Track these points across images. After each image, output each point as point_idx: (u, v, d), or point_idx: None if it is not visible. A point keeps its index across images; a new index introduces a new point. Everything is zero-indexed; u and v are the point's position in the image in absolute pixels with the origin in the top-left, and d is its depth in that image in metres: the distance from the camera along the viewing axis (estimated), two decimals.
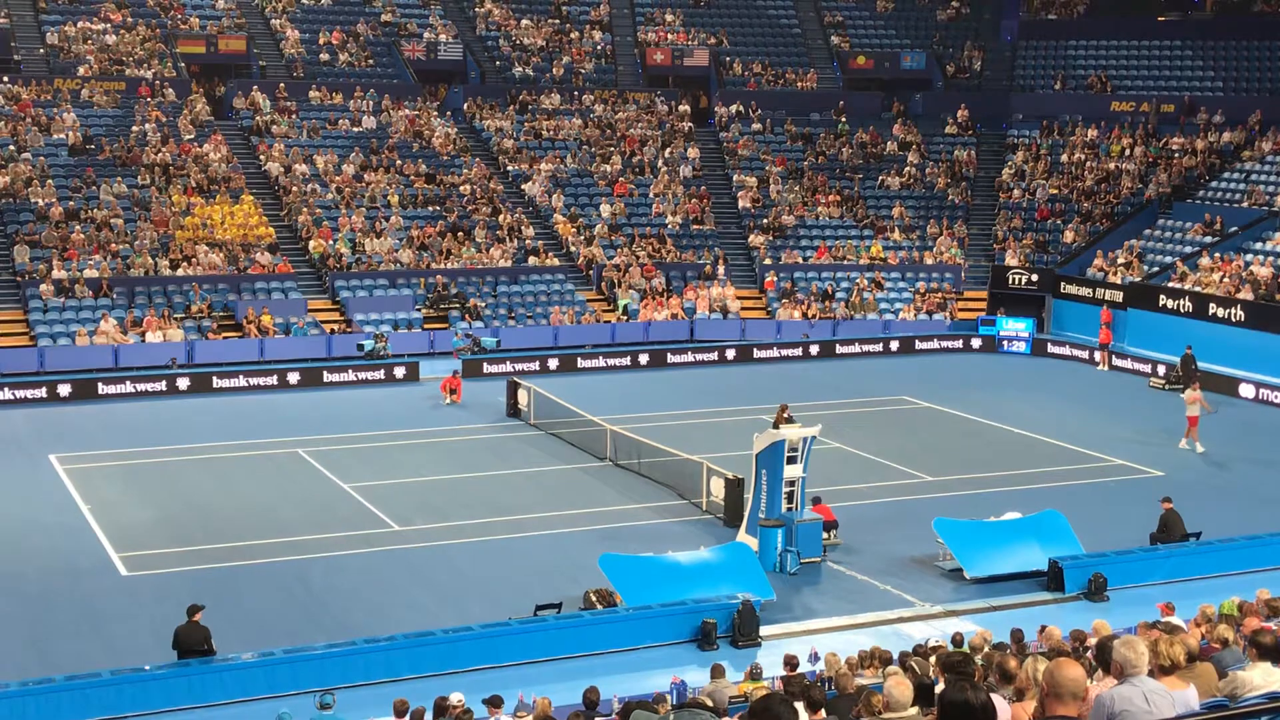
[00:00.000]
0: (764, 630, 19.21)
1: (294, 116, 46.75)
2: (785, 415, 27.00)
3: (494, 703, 14.58)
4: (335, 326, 39.44)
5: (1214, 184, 46.18)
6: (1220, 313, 38.75)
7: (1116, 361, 39.72)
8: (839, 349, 41.32)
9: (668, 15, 55.07)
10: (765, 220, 47.23)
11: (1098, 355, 40.20)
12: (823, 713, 10.43)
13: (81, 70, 46.16)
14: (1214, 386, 34.38)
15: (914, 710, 8.00)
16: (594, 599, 19.89)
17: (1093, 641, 12.64)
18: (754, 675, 15.89)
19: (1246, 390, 35.60)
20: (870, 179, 49.61)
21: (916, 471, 28.31)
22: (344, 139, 46.65)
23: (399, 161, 46.10)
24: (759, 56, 54.37)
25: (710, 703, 12.40)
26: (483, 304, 41.22)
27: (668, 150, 49.31)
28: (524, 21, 53.70)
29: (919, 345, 41.99)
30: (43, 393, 33.66)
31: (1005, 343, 42.43)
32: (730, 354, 40.34)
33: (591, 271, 44.16)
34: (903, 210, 48.02)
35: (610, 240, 45.27)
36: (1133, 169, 47.96)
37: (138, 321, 37.46)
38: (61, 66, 46.32)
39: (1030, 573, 21.55)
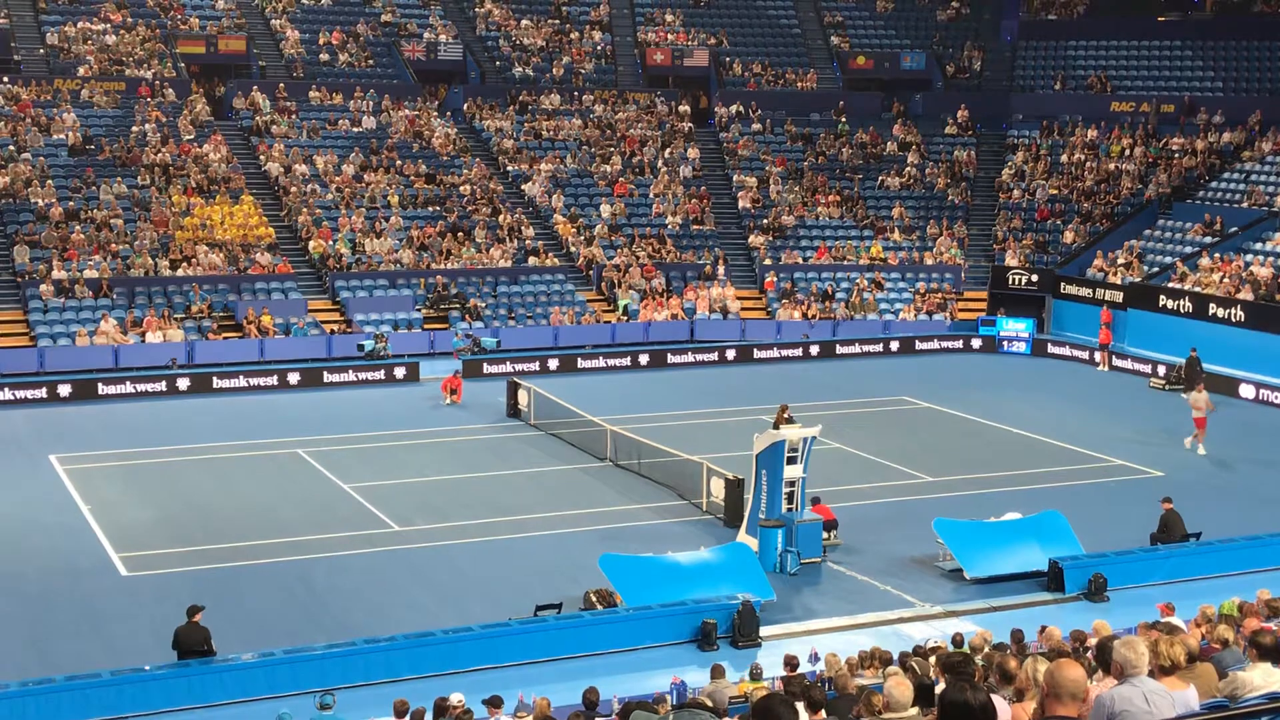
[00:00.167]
0: (764, 630, 19.21)
1: (294, 117, 46.76)
2: (785, 415, 27.00)
3: (494, 703, 14.59)
4: (335, 327, 39.44)
5: (1214, 184, 46.18)
6: (1220, 313, 38.75)
7: (1116, 362, 39.72)
8: (839, 349, 41.32)
9: (668, 15, 55.08)
10: (765, 220, 47.23)
11: (1098, 355, 40.20)
12: (823, 713, 10.43)
13: (81, 70, 46.17)
14: (1214, 387, 34.32)
15: (914, 710, 8.00)
16: (594, 599, 19.90)
17: (1093, 642, 12.64)
18: (754, 675, 15.89)
19: (1246, 390, 35.61)
20: (870, 179, 49.62)
21: (917, 472, 28.31)
22: (344, 139, 46.66)
23: (399, 162, 46.10)
24: (759, 57, 54.37)
25: (710, 703, 12.40)
26: (483, 304, 41.23)
27: (668, 150, 49.32)
28: (524, 22, 53.71)
29: (919, 345, 41.99)
30: (43, 393, 33.66)
31: (1005, 343, 42.43)
32: (730, 354, 40.35)
33: (591, 272, 44.17)
34: (903, 210, 48.03)
35: (610, 240, 45.28)
36: (1133, 169, 47.97)
37: (138, 322, 37.46)
38: (61, 67, 46.33)
39: (1030, 573, 21.55)
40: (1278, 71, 50.57)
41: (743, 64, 53.80)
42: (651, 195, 47.45)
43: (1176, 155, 47.96)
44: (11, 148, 42.17)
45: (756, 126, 51.08)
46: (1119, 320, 41.07)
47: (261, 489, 26.56)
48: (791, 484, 22.54)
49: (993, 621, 18.96)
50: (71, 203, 40.96)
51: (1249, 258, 40.97)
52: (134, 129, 44.20)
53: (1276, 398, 35.09)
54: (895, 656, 15.29)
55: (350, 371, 36.48)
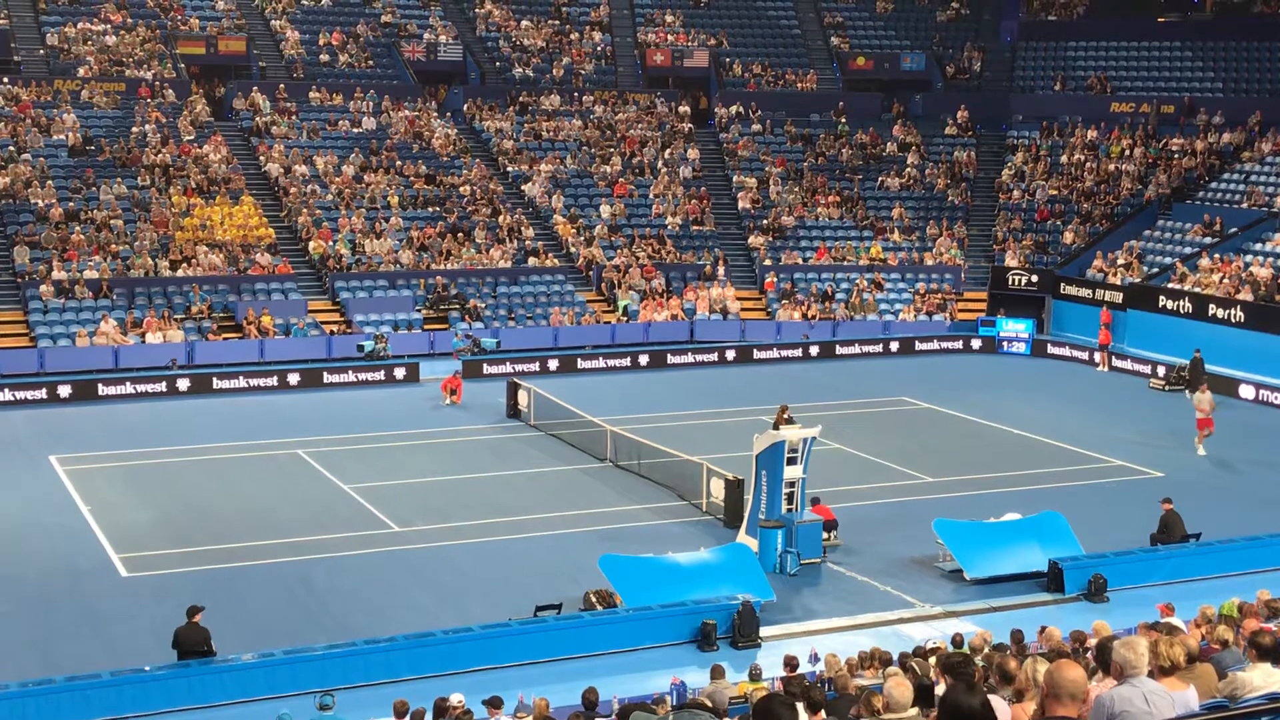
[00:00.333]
0: (764, 631, 19.22)
1: (294, 117, 46.77)
2: (785, 416, 26.96)
3: (494, 703, 14.59)
4: (335, 327, 39.45)
5: (1214, 185, 46.19)
6: (1220, 314, 38.75)
7: (1116, 362, 39.72)
8: (839, 350, 41.33)
9: (668, 16, 55.10)
10: (765, 221, 47.24)
11: (1097, 356, 40.21)
12: (823, 713, 10.43)
13: (81, 71, 46.17)
14: (1214, 388, 34.25)
15: (914, 711, 8.01)
16: (594, 600, 19.90)
17: (1093, 642, 12.65)
18: (753, 676, 15.89)
19: (1246, 391, 35.60)
20: (870, 180, 49.62)
21: (916, 472, 28.32)
22: (344, 140, 46.67)
23: (399, 162, 46.11)
24: (759, 57, 54.38)
25: (710, 704, 12.41)
26: (483, 305, 41.23)
27: (667, 151, 49.32)
28: (524, 22, 53.72)
29: (919, 346, 41.99)
30: (43, 394, 33.66)
31: (1005, 344, 42.43)
32: (730, 355, 40.34)
33: (591, 272, 44.17)
34: (902, 211, 48.03)
35: (610, 241, 45.28)
36: (1132, 170, 47.98)
37: (138, 322, 37.47)
38: (61, 67, 46.33)
39: (1030, 574, 21.55)
40: (1277, 72, 50.58)
41: (743, 65, 53.81)
42: (651, 196, 47.46)
43: (1176, 156, 47.97)
44: (12, 148, 42.17)
45: (756, 127, 51.09)
46: (1119, 321, 41.08)
47: (261, 490, 26.57)
48: (791, 485, 22.55)
49: (993, 622, 18.97)
50: (71, 203, 40.97)
51: (1249, 258, 40.97)
52: (134, 130, 44.21)
53: (1276, 398, 35.09)
54: (895, 657, 15.29)
55: (350, 372, 36.48)
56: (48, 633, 19.41)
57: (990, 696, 6.77)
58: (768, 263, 45.56)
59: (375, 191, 44.49)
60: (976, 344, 42.45)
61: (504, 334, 40.01)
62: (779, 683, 14.44)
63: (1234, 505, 26.01)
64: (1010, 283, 44.45)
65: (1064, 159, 49.62)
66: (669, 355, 39.80)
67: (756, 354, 40.57)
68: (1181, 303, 40.01)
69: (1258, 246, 41.59)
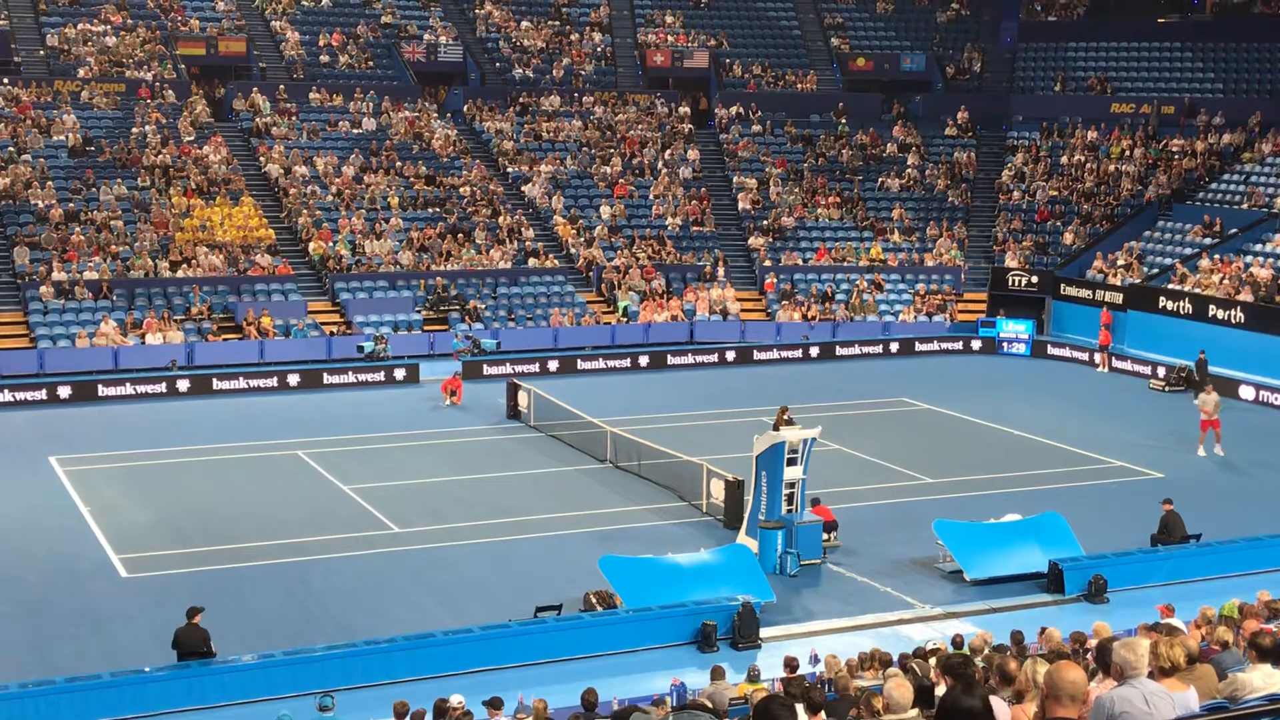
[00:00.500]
0: (764, 632, 19.21)
1: (294, 118, 46.77)
2: (785, 417, 26.99)
3: (494, 704, 14.58)
4: (335, 328, 39.45)
5: (1214, 186, 46.19)
6: (1220, 314, 38.75)
7: (1116, 363, 39.72)
8: (839, 350, 41.32)
9: (668, 17, 55.11)
10: (765, 222, 47.23)
11: (1097, 357, 40.21)
12: (823, 714, 10.42)
13: (81, 72, 46.18)
14: (1214, 388, 34.33)
15: (914, 712, 8.01)
16: (594, 601, 19.89)
17: (1093, 643, 12.64)
18: (754, 677, 15.88)
19: (1246, 392, 35.59)
20: (870, 181, 49.63)
21: (916, 473, 28.31)
22: (344, 141, 46.67)
23: (399, 163, 46.12)
24: (759, 58, 54.39)
25: (710, 705, 12.41)
26: (483, 306, 41.23)
27: (668, 152, 49.33)
28: (524, 23, 53.73)
29: (919, 347, 41.99)
30: (43, 394, 33.66)
31: (1005, 344, 42.43)
32: (730, 355, 40.33)
33: (591, 273, 44.17)
34: (902, 212, 48.03)
35: (610, 242, 45.29)
36: (1132, 171, 47.98)
37: (138, 323, 37.47)
38: (62, 68, 46.34)
39: (1030, 574, 21.55)
40: (1277, 73, 50.58)
41: (743, 65, 53.82)
42: (651, 196, 47.46)
43: (1176, 157, 47.97)
44: (12, 149, 42.18)
45: (756, 128, 51.09)
46: (1119, 322, 41.08)
47: (261, 491, 26.56)
48: (791, 485, 22.54)
49: (993, 623, 18.97)
50: (71, 204, 40.97)
51: (1249, 259, 40.97)
52: (134, 130, 44.22)
53: (1276, 399, 35.08)
54: (895, 658, 15.28)
55: (350, 373, 36.48)
56: (47, 633, 19.41)
57: (990, 698, 6.77)
58: (768, 263, 45.56)
59: (375, 192, 44.49)
60: (976, 345, 42.45)
61: (504, 335, 40.01)
62: (779, 684, 14.44)
63: (1234, 506, 26.00)
64: (1010, 283, 44.46)
65: (1064, 160, 49.62)
66: (669, 356, 39.79)
67: (756, 355, 40.57)
68: (1181, 303, 40.01)
69: (1258, 247, 41.58)
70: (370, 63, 50.44)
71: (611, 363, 39.08)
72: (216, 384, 35.32)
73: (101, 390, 34.31)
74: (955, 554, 21.91)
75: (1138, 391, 37.33)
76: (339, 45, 50.64)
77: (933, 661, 13.29)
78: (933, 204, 48.80)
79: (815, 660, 16.79)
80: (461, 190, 45.61)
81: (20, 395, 33.43)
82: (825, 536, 22.82)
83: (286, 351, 37.76)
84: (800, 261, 45.79)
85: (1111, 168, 48.50)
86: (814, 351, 41.05)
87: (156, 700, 16.70)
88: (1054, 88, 53.29)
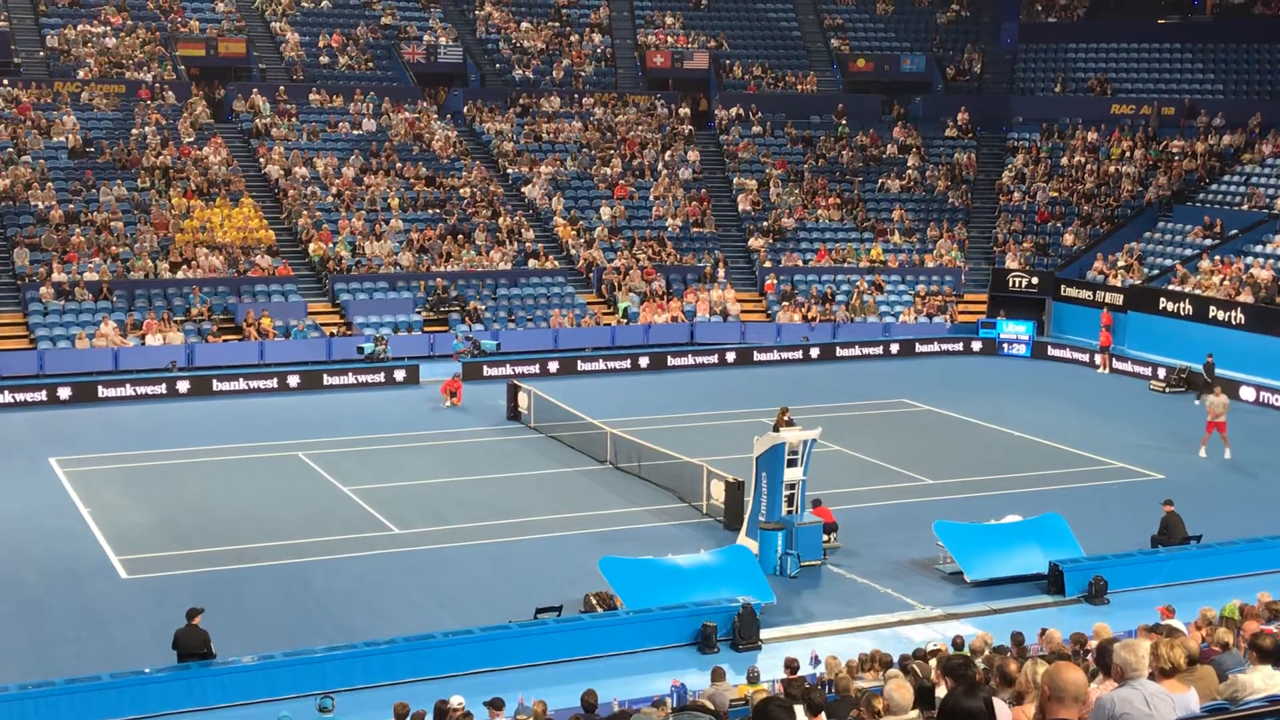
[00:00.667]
0: (764, 633, 19.21)
1: (294, 119, 46.77)
2: (785, 418, 26.99)
3: (495, 705, 14.59)
4: (335, 329, 39.44)
5: (1214, 187, 46.18)
6: (1220, 315, 38.75)
7: (1117, 364, 39.72)
8: (839, 352, 41.32)
9: (667, 18, 55.11)
10: (765, 223, 47.23)
11: (1098, 358, 40.20)
12: (823, 716, 10.42)
13: (81, 73, 46.18)
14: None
15: (914, 713, 8.01)
16: (594, 602, 19.88)
17: (1093, 644, 12.63)
18: (754, 678, 15.88)
19: (1247, 393, 35.57)
20: (870, 182, 49.63)
21: (917, 474, 28.30)
22: (344, 142, 46.67)
23: (399, 164, 46.12)
24: (759, 59, 54.40)
25: (711, 706, 12.39)
26: (483, 307, 41.23)
27: (668, 153, 49.32)
28: (524, 24, 53.73)
29: (919, 348, 41.99)
30: (43, 396, 33.66)
31: (1005, 345, 42.44)
32: (730, 357, 40.33)
33: (591, 274, 44.17)
34: (903, 213, 48.03)
35: (610, 243, 45.29)
36: (1133, 172, 47.97)
37: (137, 324, 37.47)
38: (61, 69, 46.34)
39: (1031, 576, 21.54)
40: (1277, 74, 50.58)
41: (743, 66, 53.82)
42: (651, 198, 47.46)
43: (1176, 158, 47.97)
44: (11, 150, 42.18)
45: (756, 129, 51.09)
46: (1119, 323, 41.07)
47: (261, 492, 26.56)
48: (791, 487, 22.53)
49: (993, 624, 18.98)
50: (71, 205, 40.97)
51: (1249, 260, 40.96)
52: (134, 132, 44.22)
53: (1277, 400, 35.08)
54: (896, 659, 15.28)
55: (350, 374, 36.47)
56: (47, 634, 19.40)
57: (992, 699, 6.75)
58: (768, 264, 45.55)
59: (375, 193, 44.49)
60: (977, 346, 42.44)
61: (504, 336, 40.00)
62: (779, 685, 14.44)
63: (1235, 507, 26.00)
64: (1010, 285, 44.46)
65: (1064, 161, 49.62)
66: (669, 357, 39.79)
67: (757, 356, 40.56)
68: (1182, 305, 40.01)
69: (1258, 248, 41.58)
70: (370, 64, 50.44)
71: (612, 364, 39.08)
72: (216, 385, 35.31)
73: (101, 391, 34.29)
74: (955, 555, 21.91)
75: (1138, 393, 37.32)
76: (339, 46, 50.64)
77: (933, 663, 13.28)
78: (933, 205, 48.80)
79: (816, 661, 16.78)
80: (461, 191, 45.61)
81: (20, 396, 33.43)
82: (825, 538, 22.82)
83: (286, 353, 37.76)
84: (800, 263, 45.78)
85: (1112, 169, 48.50)
86: (814, 353, 41.05)
87: (156, 701, 16.70)
88: (1054, 89, 53.29)
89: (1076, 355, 41.17)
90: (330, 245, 42.12)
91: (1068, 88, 53.11)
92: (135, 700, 16.61)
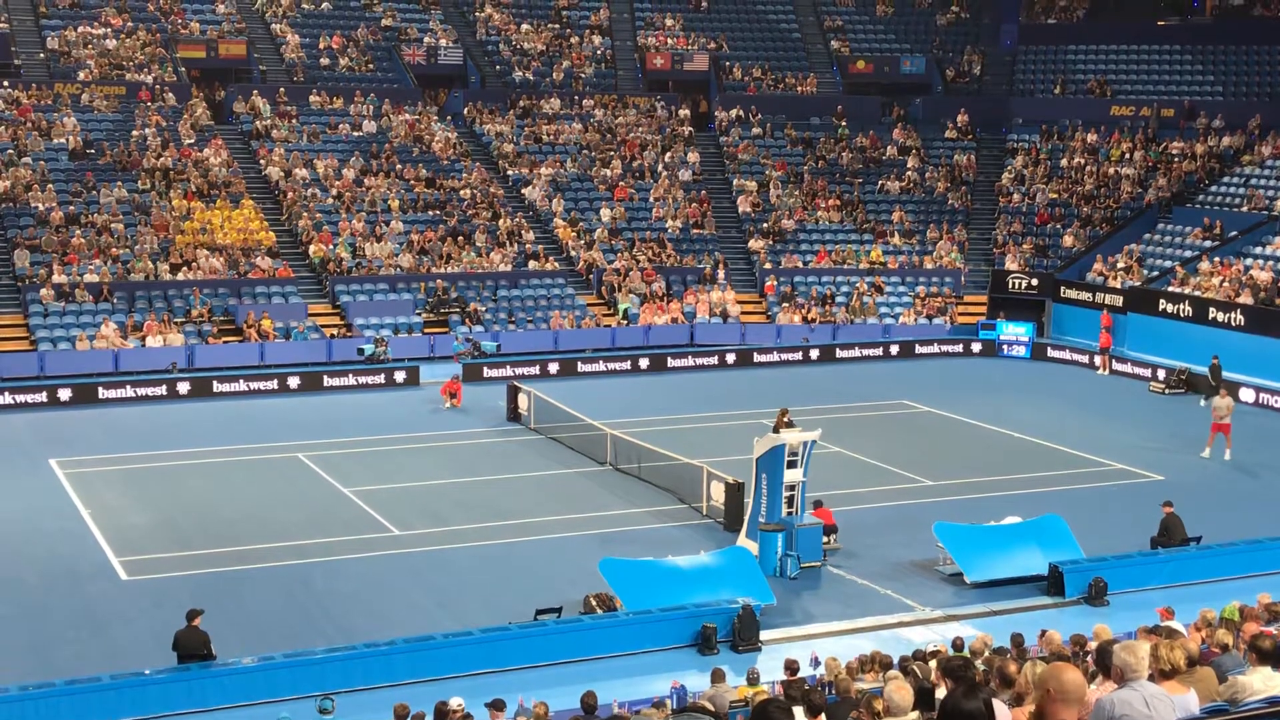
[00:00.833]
0: (764, 635, 19.22)
1: (294, 121, 46.79)
2: (785, 419, 26.99)
3: (496, 706, 14.59)
4: (335, 331, 39.45)
5: (1214, 188, 46.20)
6: (1220, 317, 38.76)
7: (1116, 366, 39.73)
8: (839, 353, 41.33)
9: (668, 20, 55.13)
10: (765, 224, 47.24)
11: (1098, 359, 40.22)
12: (823, 717, 10.43)
13: (82, 75, 46.19)
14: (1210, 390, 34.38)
15: (914, 715, 8.02)
16: (594, 603, 19.88)
17: (1093, 646, 12.64)
18: (754, 680, 15.88)
19: (1246, 395, 35.57)
20: (870, 183, 49.64)
21: (917, 476, 28.31)
22: (344, 143, 46.68)
23: (399, 166, 46.13)
24: (759, 61, 54.42)
25: (711, 707, 12.39)
26: (483, 308, 41.24)
27: (668, 154, 49.34)
28: (524, 26, 53.74)
29: (919, 349, 42.01)
30: (43, 397, 33.66)
31: (1005, 347, 42.45)
32: (730, 358, 40.33)
33: (591, 275, 44.18)
34: (903, 215, 48.04)
35: (610, 244, 45.30)
36: (1132, 173, 47.99)
37: (138, 326, 37.48)
38: (62, 71, 46.35)
39: (1030, 577, 21.55)
40: (1277, 76, 50.60)
41: (743, 68, 53.84)
42: (651, 199, 47.48)
43: (1176, 159, 47.99)
44: (12, 152, 42.19)
45: (756, 130, 51.11)
46: (1119, 324, 41.08)
47: (261, 493, 26.57)
48: (791, 488, 22.53)
49: (993, 625, 18.99)
50: (72, 207, 40.97)
51: (1249, 261, 40.98)
52: (134, 133, 44.23)
53: (1277, 401, 35.09)
54: (895, 660, 15.28)
55: (350, 375, 36.48)
56: (47, 636, 19.41)
57: (992, 700, 6.76)
58: (768, 266, 45.57)
59: (375, 195, 44.50)
60: (977, 347, 42.46)
61: (504, 337, 40.02)
62: (779, 686, 14.43)
63: (1234, 509, 26.00)
64: (1010, 286, 44.48)
65: (1064, 162, 49.64)
66: (669, 358, 39.79)
67: (757, 357, 40.57)
68: (1181, 306, 40.02)
69: (1258, 250, 41.60)
70: (370, 65, 50.46)
71: (612, 365, 39.09)
72: (217, 386, 35.32)
73: (102, 393, 34.29)
74: (955, 556, 21.92)
75: (1138, 394, 37.33)
76: (339, 48, 50.66)
77: (933, 664, 13.29)
78: (933, 207, 48.81)
79: (816, 663, 16.79)
80: (462, 193, 45.63)
81: (20, 398, 33.43)
82: (825, 539, 22.82)
83: (287, 354, 37.77)
84: (800, 264, 45.80)
85: (1111, 170, 48.52)
86: (814, 354, 41.06)
87: (156, 702, 16.71)
88: (1054, 90, 53.31)
89: (1076, 357, 41.19)
90: (330, 247, 42.14)
91: (1067, 89, 53.13)
92: (135, 701, 16.61)
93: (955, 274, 45.83)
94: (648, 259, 44.81)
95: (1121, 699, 6.54)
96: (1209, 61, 52.21)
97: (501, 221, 44.65)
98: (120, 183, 42.29)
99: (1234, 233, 42.84)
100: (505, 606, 19.88)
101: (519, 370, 37.54)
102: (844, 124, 51.76)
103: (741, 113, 51.66)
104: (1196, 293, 40.19)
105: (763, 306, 44.48)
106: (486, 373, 37.35)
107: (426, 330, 40.20)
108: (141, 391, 34.64)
